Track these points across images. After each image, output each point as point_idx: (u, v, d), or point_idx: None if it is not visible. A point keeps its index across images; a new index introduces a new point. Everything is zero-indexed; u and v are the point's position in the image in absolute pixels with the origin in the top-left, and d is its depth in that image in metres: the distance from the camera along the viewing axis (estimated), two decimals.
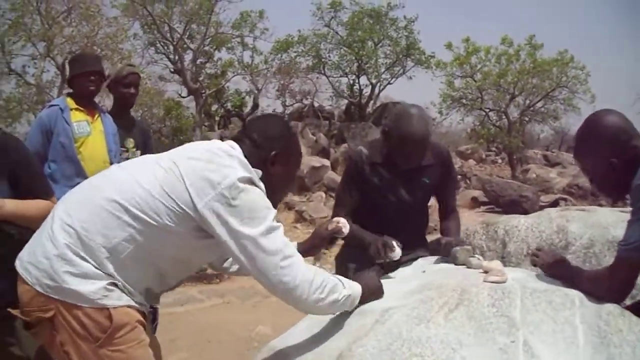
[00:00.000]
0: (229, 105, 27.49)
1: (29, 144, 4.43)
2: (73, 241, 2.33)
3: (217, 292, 8.64)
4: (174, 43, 23.05)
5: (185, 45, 23.70)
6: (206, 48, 25.10)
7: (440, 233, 3.81)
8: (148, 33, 23.66)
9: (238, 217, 2.28)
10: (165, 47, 24.72)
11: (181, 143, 4.53)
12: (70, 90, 4.98)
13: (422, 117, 3.48)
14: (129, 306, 2.35)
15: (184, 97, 24.68)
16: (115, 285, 2.34)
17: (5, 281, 2.57)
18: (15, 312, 2.47)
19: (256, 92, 26.73)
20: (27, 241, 2.54)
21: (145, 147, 5.24)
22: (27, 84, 17.72)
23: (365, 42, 26.15)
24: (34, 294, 2.35)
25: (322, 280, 2.39)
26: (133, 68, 5.44)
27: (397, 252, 3.25)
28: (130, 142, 5.17)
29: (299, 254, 2.41)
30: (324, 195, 16.10)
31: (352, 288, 2.56)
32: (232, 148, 2.47)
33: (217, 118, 27.76)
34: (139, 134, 5.30)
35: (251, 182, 2.35)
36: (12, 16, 17.11)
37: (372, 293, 2.67)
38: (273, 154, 2.52)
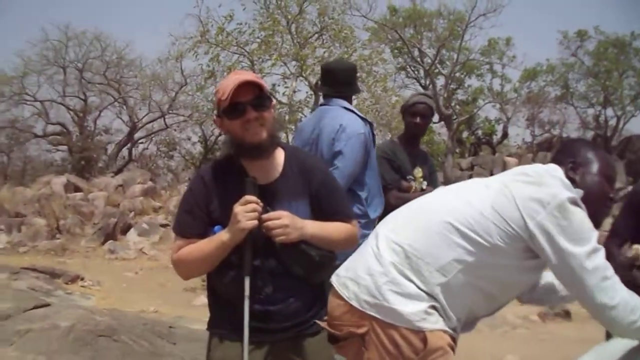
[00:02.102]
0: (479, 132, 29.40)
1: (355, 163, 4.21)
2: (400, 260, 2.36)
3: None
4: (426, 68, 25.50)
5: (436, 71, 25.97)
6: (457, 74, 27.27)
7: None
8: (398, 57, 26.25)
9: (566, 236, 2.26)
10: (416, 72, 27.52)
11: None
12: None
13: None
14: (443, 331, 2.33)
15: (435, 123, 25.81)
16: (435, 308, 2.33)
17: (300, 302, 2.68)
18: (323, 324, 2.57)
19: (506, 120, 28.70)
20: (325, 263, 2.67)
21: (431, 181, 5.19)
22: (280, 103, 17.54)
23: (611, 72, 26.86)
24: (348, 309, 2.41)
25: (638, 303, 2.31)
26: (421, 97, 5.28)
27: None
28: (418, 172, 5.10)
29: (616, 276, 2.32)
30: None
31: None
32: (555, 170, 2.47)
33: (468, 145, 29.25)
34: (427, 166, 5.24)
35: (576, 203, 2.33)
36: (260, 35, 17.67)
37: None
38: (573, 160, 2.52)
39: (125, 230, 17.18)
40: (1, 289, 7.73)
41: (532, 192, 2.34)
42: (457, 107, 28.30)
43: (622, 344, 2.50)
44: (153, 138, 31.78)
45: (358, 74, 4.92)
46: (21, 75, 29.11)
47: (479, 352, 6.93)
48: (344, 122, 4.25)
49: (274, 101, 2.74)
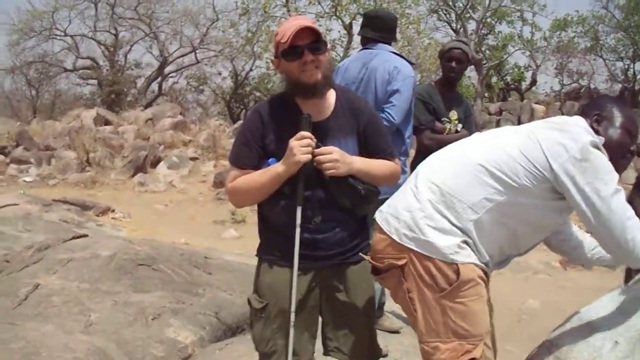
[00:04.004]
0: (508, 78, 29.23)
1: (408, 101, 4.52)
2: (436, 198, 2.54)
3: None
4: (458, 12, 25.55)
5: (468, 15, 25.98)
6: (488, 19, 27.14)
7: None
8: (430, 0, 26.06)
9: (588, 176, 2.38)
10: (448, 15, 27.36)
11: None
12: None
13: None
14: (475, 264, 2.50)
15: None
16: (467, 243, 2.50)
17: (345, 232, 2.86)
18: (367, 257, 2.76)
19: (534, 68, 28.67)
20: (370, 197, 2.84)
21: (466, 123, 5.27)
22: None
23: None
24: (389, 243, 2.61)
25: None
26: (457, 43, 5.40)
27: None
28: (453, 114, 5.21)
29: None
30: None
31: None
32: (579, 120, 2.60)
33: (496, 90, 29.26)
34: (463, 110, 5.32)
35: (597, 146, 2.44)
36: None
37: None
38: (597, 113, 2.63)
39: (155, 163, 17.36)
40: (34, 221, 7.86)
41: (557, 136, 2.49)
42: (488, 52, 28.17)
43: (636, 290, 2.72)
44: (183, 72, 31.85)
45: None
46: (52, 10, 29.11)
47: (501, 296, 6.86)
48: (397, 64, 4.51)
49: (329, 45, 2.89)
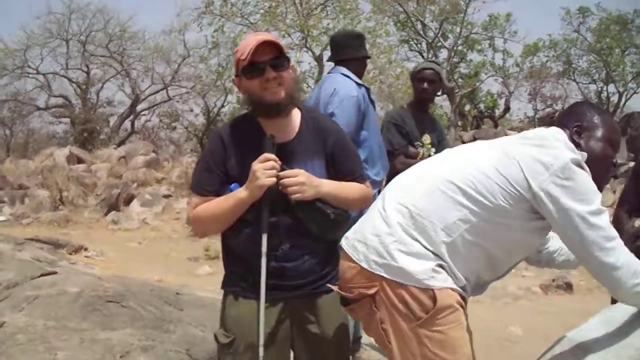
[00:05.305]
0: (481, 106, 29.54)
1: (347, 124, 4.10)
2: (406, 221, 2.38)
3: None
4: (429, 41, 25.67)
5: (439, 44, 26.20)
6: (459, 48, 27.51)
7: None
8: (400, 30, 26.37)
9: (570, 197, 2.26)
10: (419, 45, 27.60)
11: None
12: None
13: None
14: (452, 289, 2.34)
15: (438, 96, 26.69)
16: (442, 267, 2.34)
17: (314, 259, 2.72)
18: (334, 288, 2.59)
19: (507, 94, 28.93)
20: (340, 222, 2.70)
21: (440, 148, 5.05)
22: None
23: (613, 49, 27.10)
24: (358, 271, 2.43)
25: None
26: (429, 64, 5.37)
27: None
28: (427, 138, 5.14)
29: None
30: None
31: None
32: (558, 133, 2.47)
33: (470, 118, 29.52)
34: (436, 134, 5.26)
35: (579, 164, 2.33)
36: (265, 6, 18.00)
37: None
38: (578, 124, 2.51)
39: (128, 201, 17.15)
40: (6, 260, 7.64)
41: (535, 153, 2.35)
42: (460, 80, 28.42)
43: (627, 309, 2.53)
44: (155, 110, 31.80)
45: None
46: (24, 48, 29.06)
47: (480, 322, 6.81)
48: (337, 86, 4.40)
49: (292, 63, 2.77)
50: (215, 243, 10.58)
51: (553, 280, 9.50)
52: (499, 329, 7.09)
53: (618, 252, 2.28)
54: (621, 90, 28.31)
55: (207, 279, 9.85)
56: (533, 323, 7.04)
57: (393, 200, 2.47)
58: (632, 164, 15.18)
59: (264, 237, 2.60)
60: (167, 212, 16.63)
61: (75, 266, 10.27)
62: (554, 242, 2.80)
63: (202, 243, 12.02)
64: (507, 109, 29.40)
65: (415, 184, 2.50)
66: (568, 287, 9.45)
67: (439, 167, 2.52)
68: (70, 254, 11.65)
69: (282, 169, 2.58)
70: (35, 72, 29.87)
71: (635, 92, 28.49)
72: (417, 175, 2.56)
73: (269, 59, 2.59)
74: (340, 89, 4.36)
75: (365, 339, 4.75)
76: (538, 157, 2.33)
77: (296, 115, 2.78)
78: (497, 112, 29.51)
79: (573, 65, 28.95)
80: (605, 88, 29.01)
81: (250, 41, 2.61)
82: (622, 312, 2.58)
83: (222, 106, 29.29)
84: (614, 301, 3.10)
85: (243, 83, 2.68)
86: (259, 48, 2.57)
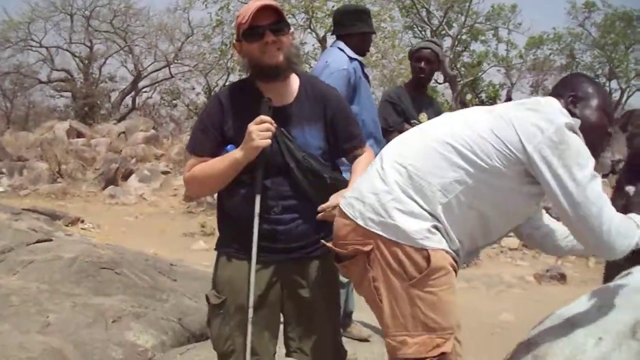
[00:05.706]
0: (483, 96, 29.23)
1: None
2: (403, 180, 2.38)
3: (464, 276, 8.45)
4: (433, 28, 25.52)
5: (443, 32, 26.04)
6: (463, 37, 27.35)
7: None
8: (405, 16, 26.13)
9: (563, 160, 2.27)
10: (423, 32, 27.26)
11: None
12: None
13: None
14: (446, 251, 2.35)
15: (440, 84, 26.65)
16: (437, 229, 2.35)
17: (307, 224, 2.71)
18: (329, 244, 2.56)
19: (510, 85, 28.84)
20: (336, 187, 2.71)
21: None
22: None
23: (618, 45, 27.06)
24: (353, 228, 2.43)
25: (630, 226, 2.38)
26: (427, 43, 5.32)
27: None
28: (423, 116, 5.06)
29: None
30: None
31: None
32: (553, 100, 2.49)
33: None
34: (433, 112, 5.11)
35: (573, 129, 2.35)
36: None
37: None
38: (573, 94, 2.51)
39: (127, 176, 17.20)
40: (2, 228, 7.71)
41: (531, 117, 2.38)
42: (463, 69, 28.29)
43: (615, 287, 2.61)
44: (157, 87, 31.65)
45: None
46: (28, 22, 28.79)
47: (474, 309, 6.96)
48: (329, 59, 4.40)
49: (292, 28, 2.78)
50: (211, 219, 10.63)
51: (547, 271, 9.49)
52: (491, 316, 7.12)
53: (609, 216, 2.31)
54: (623, 87, 28.31)
55: (202, 254, 9.89)
56: (525, 311, 7.02)
57: (391, 159, 2.47)
58: None
59: (257, 198, 2.63)
60: (165, 188, 16.69)
61: (71, 237, 10.29)
62: (555, 225, 2.79)
63: (199, 219, 12.02)
64: (508, 99, 28.50)
65: (414, 144, 2.51)
66: (562, 277, 9.45)
67: (437, 129, 2.52)
68: (67, 225, 11.69)
69: (280, 132, 2.63)
70: (38, 45, 29.62)
71: (637, 90, 28.61)
72: (415, 137, 2.57)
73: (268, 23, 2.61)
74: (331, 62, 4.35)
75: (356, 315, 4.75)
76: (533, 120, 2.36)
77: (295, 81, 2.80)
78: (499, 103, 29.17)
79: (576, 60, 28.84)
80: (607, 84, 28.55)
81: (251, 6, 2.62)
82: (612, 290, 2.63)
83: (224, 85, 28.94)
84: (607, 280, 3.23)
85: (243, 47, 2.69)
86: (259, 12, 2.59)
